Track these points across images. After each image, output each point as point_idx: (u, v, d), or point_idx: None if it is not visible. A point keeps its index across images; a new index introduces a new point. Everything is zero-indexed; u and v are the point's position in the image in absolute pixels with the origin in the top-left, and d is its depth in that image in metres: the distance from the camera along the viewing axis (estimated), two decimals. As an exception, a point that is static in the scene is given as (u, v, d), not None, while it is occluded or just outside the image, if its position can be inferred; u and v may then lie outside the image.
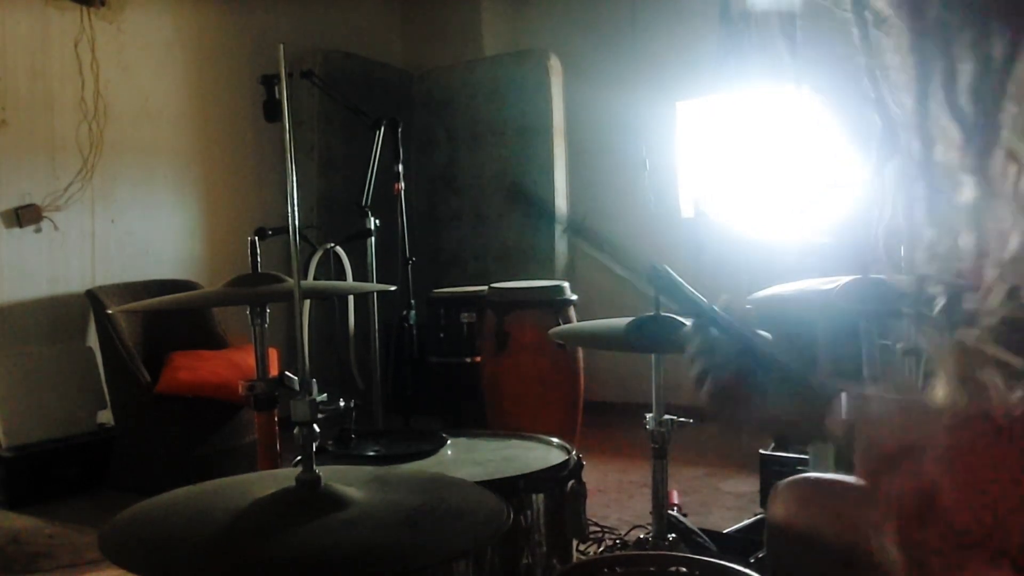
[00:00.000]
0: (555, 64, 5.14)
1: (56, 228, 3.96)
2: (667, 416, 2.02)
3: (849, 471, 1.17)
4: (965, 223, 0.54)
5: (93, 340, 3.95)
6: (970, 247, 0.54)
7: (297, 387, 1.13)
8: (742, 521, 2.78)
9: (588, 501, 1.80)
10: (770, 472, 2.75)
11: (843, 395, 0.81)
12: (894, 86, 0.57)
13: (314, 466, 1.02)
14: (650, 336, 1.93)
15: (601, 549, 2.57)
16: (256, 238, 1.88)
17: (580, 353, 3.78)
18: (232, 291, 1.80)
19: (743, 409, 0.95)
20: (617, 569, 1.48)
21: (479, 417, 3.86)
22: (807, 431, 1.06)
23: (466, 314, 4.09)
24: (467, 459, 1.86)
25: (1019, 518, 0.55)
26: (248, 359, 2.15)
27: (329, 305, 3.66)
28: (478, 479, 1.51)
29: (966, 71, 0.52)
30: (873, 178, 0.62)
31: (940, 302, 0.58)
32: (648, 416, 2.03)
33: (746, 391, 0.94)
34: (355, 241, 3.26)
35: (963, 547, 0.58)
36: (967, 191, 0.53)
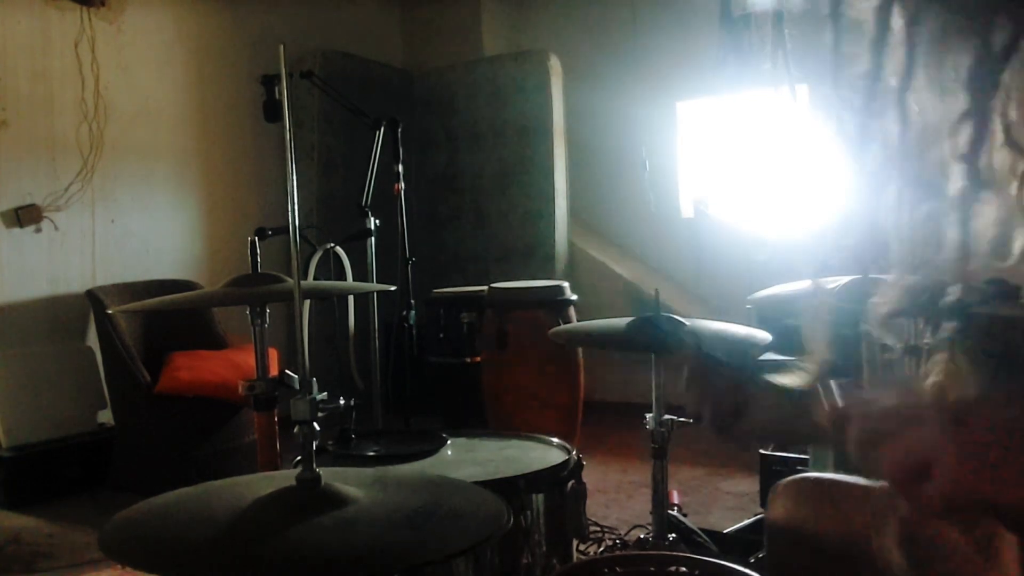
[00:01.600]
0: (555, 64, 5.14)
1: (56, 228, 3.96)
2: (667, 416, 2.02)
3: (849, 471, 1.18)
4: (953, 217, 0.54)
5: (93, 340, 3.95)
6: (956, 244, 0.54)
7: (297, 386, 1.13)
8: (742, 521, 2.77)
9: (588, 501, 1.80)
10: (770, 472, 2.75)
11: (833, 384, 0.82)
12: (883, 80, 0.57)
13: (314, 466, 1.02)
14: (650, 336, 1.93)
15: (601, 549, 2.56)
16: (256, 238, 1.88)
17: (580, 353, 3.78)
18: (232, 291, 1.80)
19: (739, 427, 0.99)
20: (617, 569, 1.48)
21: (479, 417, 3.86)
22: (803, 435, 1.10)
23: (466, 314, 4.09)
24: (467, 459, 1.86)
25: (1012, 474, 0.55)
26: (248, 359, 2.15)
27: (329, 305, 3.66)
28: (478, 479, 1.51)
29: (962, 60, 0.52)
30: (865, 177, 0.63)
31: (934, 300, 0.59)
32: (648, 416, 2.03)
33: (740, 409, 0.98)
34: (355, 241, 3.25)
35: (957, 509, 0.59)
36: (956, 182, 0.54)
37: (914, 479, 0.60)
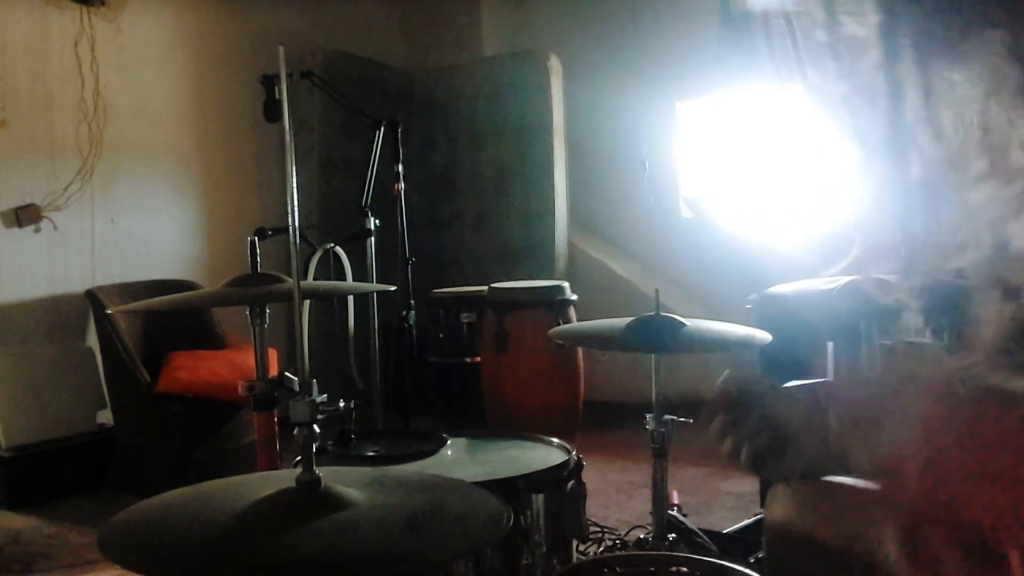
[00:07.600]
0: (555, 64, 5.14)
1: (56, 228, 3.96)
2: (667, 416, 2.02)
3: (845, 472, 1.17)
4: (983, 222, 0.53)
5: (93, 340, 3.95)
6: (989, 246, 0.53)
7: (297, 387, 1.13)
8: (742, 521, 2.77)
9: (588, 501, 1.80)
10: (770, 472, 2.74)
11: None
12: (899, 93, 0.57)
13: (314, 467, 1.02)
14: (650, 336, 1.93)
15: (601, 549, 2.56)
16: (256, 238, 1.88)
17: (580, 353, 3.78)
18: (232, 291, 1.80)
19: (781, 466, 0.98)
20: (617, 569, 1.48)
21: (479, 417, 3.86)
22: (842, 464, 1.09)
23: (466, 314, 4.09)
24: (467, 459, 1.86)
25: (969, 490, 0.54)
26: (248, 359, 2.15)
27: (329, 305, 3.66)
28: (478, 479, 1.51)
29: (977, 76, 0.51)
30: (877, 181, 0.62)
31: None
32: (648, 416, 2.03)
33: (780, 449, 0.97)
34: (355, 241, 3.26)
35: (921, 524, 0.57)
36: (983, 189, 0.53)
37: (889, 475, 0.58)
